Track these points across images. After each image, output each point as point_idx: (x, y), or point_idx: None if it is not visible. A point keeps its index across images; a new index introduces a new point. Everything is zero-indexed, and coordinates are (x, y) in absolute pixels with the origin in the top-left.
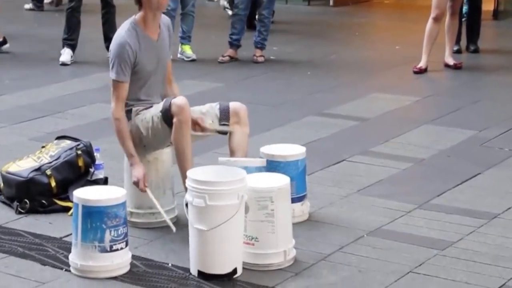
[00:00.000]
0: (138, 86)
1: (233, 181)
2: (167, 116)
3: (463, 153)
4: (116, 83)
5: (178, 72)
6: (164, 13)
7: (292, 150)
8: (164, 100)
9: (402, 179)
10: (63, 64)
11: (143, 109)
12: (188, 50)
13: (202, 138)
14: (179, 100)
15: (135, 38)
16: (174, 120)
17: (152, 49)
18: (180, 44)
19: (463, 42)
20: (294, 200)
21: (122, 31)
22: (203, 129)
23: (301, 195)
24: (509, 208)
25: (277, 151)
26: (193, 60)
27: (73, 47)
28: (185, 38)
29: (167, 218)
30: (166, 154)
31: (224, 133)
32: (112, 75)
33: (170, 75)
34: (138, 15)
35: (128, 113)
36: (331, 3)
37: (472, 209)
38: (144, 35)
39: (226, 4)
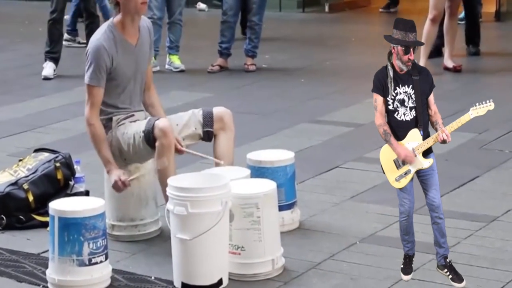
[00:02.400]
0: (117, 93)
1: (215, 187)
2: (150, 138)
3: (462, 156)
4: (91, 88)
5: (166, 83)
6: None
7: (280, 156)
8: (147, 120)
9: None
10: (46, 78)
11: (124, 119)
12: (176, 60)
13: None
14: (162, 123)
15: (111, 42)
16: (157, 144)
17: (130, 53)
18: (168, 55)
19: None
20: (283, 208)
21: (98, 34)
22: (179, 151)
23: (290, 202)
24: (508, 211)
25: (265, 156)
26: (181, 71)
27: (55, 60)
28: (173, 48)
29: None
30: (148, 163)
31: (208, 140)
32: (86, 79)
33: (150, 81)
34: (116, 18)
35: (108, 121)
36: (326, 9)
37: (470, 213)
38: (121, 39)
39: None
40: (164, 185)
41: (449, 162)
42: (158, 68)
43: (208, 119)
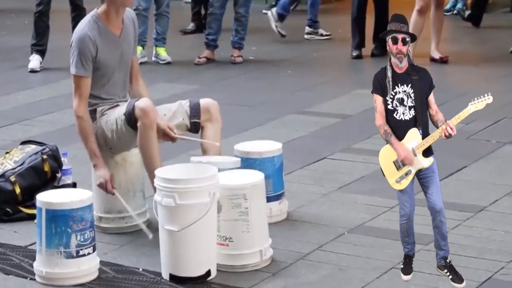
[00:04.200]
0: (101, 84)
1: (203, 178)
2: (131, 120)
3: (449, 147)
4: (77, 79)
5: (152, 75)
6: (136, 14)
7: (268, 147)
8: (128, 102)
9: None
10: (32, 71)
11: (108, 109)
12: (162, 52)
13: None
14: (142, 103)
15: (96, 31)
16: (139, 124)
17: (114, 44)
18: (154, 47)
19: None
20: (271, 199)
21: (82, 24)
22: (172, 138)
23: (278, 193)
24: (496, 201)
25: (252, 148)
26: (168, 63)
27: (42, 53)
28: (160, 40)
29: (140, 222)
30: (134, 155)
31: (195, 131)
32: (72, 70)
33: (137, 72)
34: (100, 9)
35: (93, 113)
36: None
37: (458, 203)
38: (106, 30)
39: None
40: (150, 170)
41: (437, 152)
42: (146, 59)
43: (195, 111)
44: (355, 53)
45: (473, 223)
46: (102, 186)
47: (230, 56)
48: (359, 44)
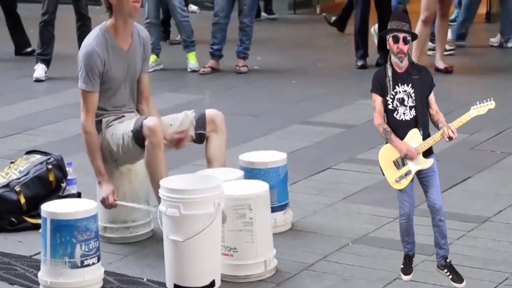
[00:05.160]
0: (108, 96)
1: (208, 189)
2: (138, 137)
3: (454, 157)
4: (85, 93)
5: (157, 84)
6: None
7: (272, 157)
8: (135, 119)
9: (389, 185)
10: (37, 80)
11: (114, 120)
12: (192, 59)
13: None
14: (150, 122)
15: (103, 46)
16: (146, 143)
17: (121, 58)
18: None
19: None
20: (275, 209)
21: (90, 38)
22: (180, 143)
23: (283, 203)
24: (501, 211)
25: (257, 158)
26: (193, 71)
27: (47, 62)
28: (188, 45)
29: (147, 207)
30: (140, 165)
31: (201, 142)
32: (80, 84)
33: (147, 91)
34: (108, 22)
35: (98, 123)
36: (317, 11)
37: (462, 213)
38: (113, 43)
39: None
40: (155, 185)
41: (441, 162)
42: (161, 66)
43: (200, 122)
44: (359, 63)
45: (478, 233)
46: (104, 202)
47: (235, 66)
48: (364, 54)
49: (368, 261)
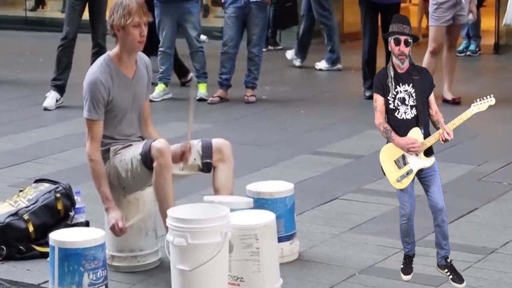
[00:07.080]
0: (114, 125)
1: (215, 218)
2: (147, 160)
3: (461, 188)
4: (90, 122)
5: (165, 113)
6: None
7: (280, 187)
8: (144, 142)
9: (396, 216)
10: (46, 109)
11: (121, 148)
12: (202, 88)
13: (184, 178)
14: (159, 143)
15: (108, 74)
16: (155, 164)
17: (127, 86)
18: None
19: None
20: (282, 239)
21: (94, 68)
22: (184, 156)
23: (290, 233)
24: (507, 243)
25: (264, 188)
26: (201, 99)
27: (60, 88)
28: (200, 76)
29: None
30: (147, 194)
31: (207, 171)
32: (84, 113)
33: (148, 117)
34: (112, 51)
35: (106, 152)
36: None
37: (469, 244)
38: (118, 72)
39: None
40: (163, 211)
41: (447, 194)
42: (170, 95)
43: (207, 151)
44: (367, 94)
45: (484, 265)
46: (114, 228)
47: (244, 95)
48: (371, 84)
49: None
